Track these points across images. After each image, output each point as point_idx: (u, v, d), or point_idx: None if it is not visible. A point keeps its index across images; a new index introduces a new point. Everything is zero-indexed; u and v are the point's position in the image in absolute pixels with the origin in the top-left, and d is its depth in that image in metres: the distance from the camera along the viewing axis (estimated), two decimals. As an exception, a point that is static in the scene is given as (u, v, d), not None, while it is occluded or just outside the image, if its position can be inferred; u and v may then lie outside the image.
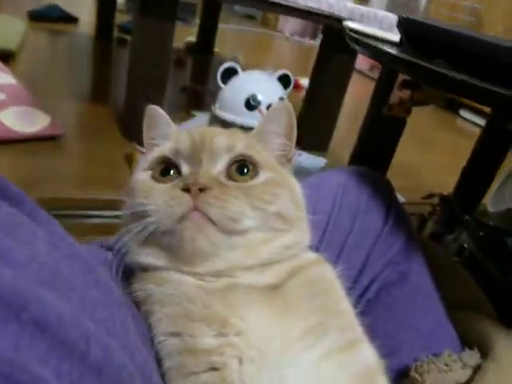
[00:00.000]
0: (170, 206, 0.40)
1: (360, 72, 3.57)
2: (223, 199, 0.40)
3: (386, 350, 0.45)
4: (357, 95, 2.63)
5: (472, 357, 0.60)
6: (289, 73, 1.45)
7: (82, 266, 0.34)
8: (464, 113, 3.18)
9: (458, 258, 0.96)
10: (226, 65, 1.34)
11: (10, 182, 0.33)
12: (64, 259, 0.32)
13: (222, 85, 1.36)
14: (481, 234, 1.00)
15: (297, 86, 2.55)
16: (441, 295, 0.69)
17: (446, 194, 1.09)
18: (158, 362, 0.38)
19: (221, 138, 0.45)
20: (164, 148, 0.47)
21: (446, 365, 0.57)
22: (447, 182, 1.94)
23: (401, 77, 0.79)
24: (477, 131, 2.80)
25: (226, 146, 0.45)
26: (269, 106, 1.36)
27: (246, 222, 0.41)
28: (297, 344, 0.38)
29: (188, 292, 0.39)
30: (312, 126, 1.89)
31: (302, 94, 2.25)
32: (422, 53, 0.67)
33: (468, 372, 0.58)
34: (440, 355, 0.59)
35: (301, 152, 1.86)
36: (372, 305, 0.65)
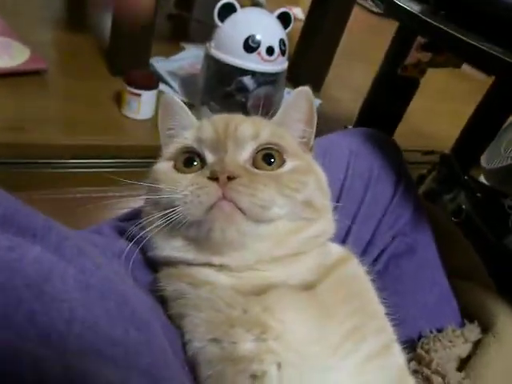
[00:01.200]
0: (197, 195, 0.39)
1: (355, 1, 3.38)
2: (253, 187, 0.39)
3: (392, 321, 0.46)
4: (351, 29, 2.50)
5: (473, 332, 0.62)
6: (289, 11, 1.36)
7: (116, 302, 0.33)
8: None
9: (455, 219, 0.97)
10: (224, 0, 1.24)
11: (34, 212, 0.31)
12: (97, 300, 0.31)
13: (218, 22, 1.26)
14: (478, 195, 1.00)
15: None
16: (445, 265, 0.71)
17: (446, 151, 1.08)
18: (191, 368, 0.38)
19: (246, 126, 0.44)
20: (186, 137, 0.45)
21: (450, 341, 0.60)
22: (441, 127, 1.94)
23: (420, 37, 0.74)
24: (471, 71, 2.75)
25: (251, 133, 0.43)
26: (268, 48, 1.28)
27: (275, 210, 0.40)
28: (338, 349, 0.38)
29: (225, 297, 0.38)
30: (307, 65, 1.82)
31: (296, 25, 2.13)
32: (451, 15, 0.62)
33: (469, 346, 0.61)
34: (444, 330, 0.62)
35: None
36: (381, 276, 0.66)
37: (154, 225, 0.42)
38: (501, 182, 1.05)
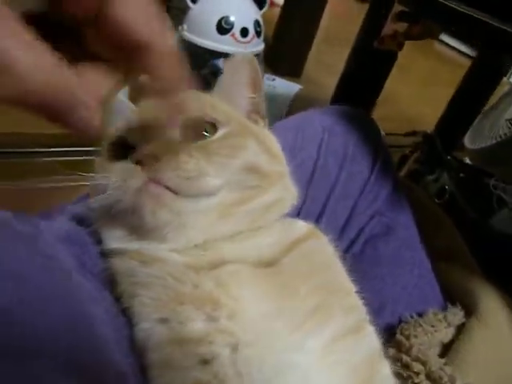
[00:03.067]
0: (123, 180, 0.37)
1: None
2: (176, 160, 0.36)
3: (372, 307, 0.43)
4: (334, 15, 2.47)
5: (456, 315, 0.59)
6: (263, -10, 1.31)
7: None
8: (444, 37, 3.06)
9: (438, 200, 0.94)
10: (195, -20, 1.19)
11: None
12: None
13: (190, 4, 1.21)
14: (462, 175, 0.97)
15: (270, 3, 2.36)
16: (425, 245, 0.67)
17: (429, 131, 1.04)
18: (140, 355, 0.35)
19: None
20: (117, 128, 0.43)
21: (432, 325, 0.56)
22: (424, 111, 1.91)
23: (396, 7, 0.70)
24: (455, 56, 2.73)
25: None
26: (242, 30, 1.23)
27: (209, 181, 0.38)
28: (300, 328, 0.35)
29: (175, 272, 0.36)
30: (286, 49, 1.78)
31: (276, 11, 2.09)
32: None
33: (451, 331, 0.58)
34: (425, 315, 0.58)
35: (274, 77, 1.76)
36: (358, 258, 0.63)
37: (93, 206, 0.39)
38: (485, 161, 1.02)
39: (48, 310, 0.29)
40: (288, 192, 0.45)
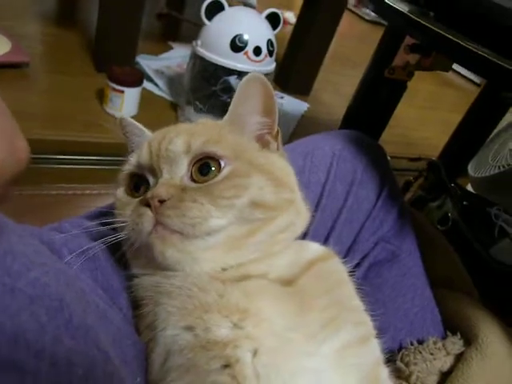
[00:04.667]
0: (136, 223, 0.39)
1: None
2: (181, 207, 0.38)
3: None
4: (344, 36, 2.50)
5: (455, 344, 0.60)
6: (278, 11, 1.33)
7: (47, 308, 0.30)
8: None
9: (441, 227, 0.95)
10: (212, -2, 1.21)
11: None
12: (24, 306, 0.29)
13: (206, 21, 1.24)
14: (465, 203, 0.98)
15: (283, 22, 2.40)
16: (427, 273, 0.68)
17: (433, 158, 1.06)
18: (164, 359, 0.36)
19: (176, 141, 0.42)
20: (131, 162, 0.45)
21: (431, 353, 0.57)
22: (427, 134, 1.93)
23: (409, 38, 0.72)
24: (459, 81, 2.76)
25: (182, 148, 0.41)
26: (256, 48, 1.26)
27: (213, 222, 0.39)
28: (316, 336, 0.37)
29: (200, 282, 0.38)
30: (296, 68, 1.80)
31: (287, 29, 2.12)
32: (441, 16, 0.60)
33: (450, 359, 0.59)
34: (425, 342, 0.59)
35: (283, 95, 1.78)
36: (361, 283, 0.64)
37: (107, 242, 0.42)
38: (488, 190, 1.03)
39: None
40: (299, 216, 0.46)
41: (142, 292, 0.41)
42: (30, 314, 0.28)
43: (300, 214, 0.46)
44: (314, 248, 0.47)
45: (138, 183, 0.44)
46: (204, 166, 0.41)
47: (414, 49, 0.70)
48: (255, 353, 0.34)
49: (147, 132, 0.48)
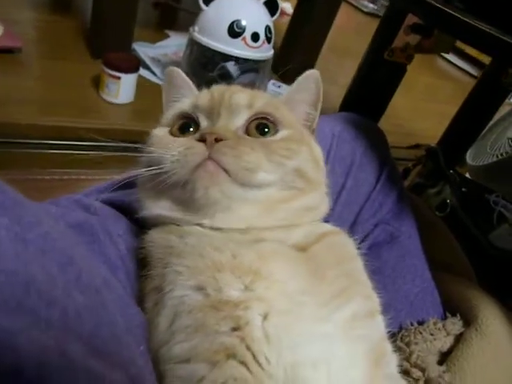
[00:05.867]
0: (184, 155, 0.39)
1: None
2: (239, 149, 0.39)
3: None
4: (342, 27, 2.49)
5: (455, 325, 0.60)
6: (277, -2, 1.32)
7: (58, 262, 0.30)
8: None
9: (440, 213, 0.95)
10: (209, -17, 1.20)
11: None
12: (35, 256, 0.28)
13: (203, 6, 1.22)
14: (463, 190, 0.98)
15: (280, 12, 2.38)
16: (427, 256, 0.68)
17: (432, 145, 1.05)
18: (170, 321, 0.35)
19: (241, 95, 0.44)
20: (183, 104, 0.46)
21: (431, 334, 0.57)
22: (424, 125, 1.93)
23: (409, 19, 0.71)
24: (456, 73, 2.76)
25: (246, 102, 0.44)
26: (253, 34, 1.24)
27: (262, 175, 0.40)
28: (328, 304, 0.37)
29: (215, 242, 0.38)
30: (294, 57, 1.79)
31: (285, 19, 2.10)
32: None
33: (450, 340, 0.58)
34: (425, 323, 0.59)
35: (280, 84, 1.77)
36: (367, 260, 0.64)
37: (142, 178, 0.42)
38: (486, 179, 1.03)
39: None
40: (323, 202, 0.47)
41: (153, 250, 0.40)
42: (42, 265, 0.27)
43: (324, 200, 0.48)
44: (326, 226, 0.48)
45: (185, 126, 0.44)
46: (261, 125, 0.43)
47: (414, 29, 0.69)
48: (266, 316, 0.34)
49: (195, 89, 0.50)
